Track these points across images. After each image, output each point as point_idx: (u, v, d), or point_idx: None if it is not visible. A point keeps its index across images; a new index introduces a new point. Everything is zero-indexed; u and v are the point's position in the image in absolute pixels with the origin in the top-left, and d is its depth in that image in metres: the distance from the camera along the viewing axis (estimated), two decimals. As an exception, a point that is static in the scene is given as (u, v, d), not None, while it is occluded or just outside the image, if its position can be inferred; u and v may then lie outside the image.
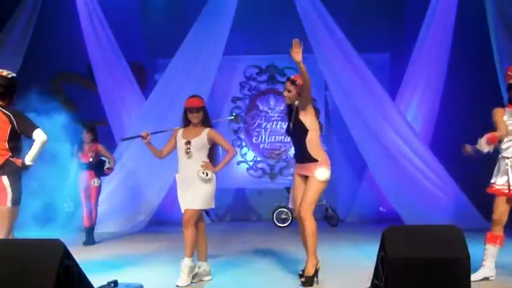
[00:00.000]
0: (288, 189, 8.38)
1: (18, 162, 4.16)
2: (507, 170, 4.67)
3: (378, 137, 8.76)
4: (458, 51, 8.76)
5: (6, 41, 8.84)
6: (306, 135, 4.71)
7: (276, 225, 9.16)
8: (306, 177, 4.75)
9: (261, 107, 10.49)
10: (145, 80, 10.15)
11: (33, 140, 4.18)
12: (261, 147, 10.45)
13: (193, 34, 8.97)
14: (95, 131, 7.54)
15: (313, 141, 4.73)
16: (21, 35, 8.87)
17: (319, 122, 4.84)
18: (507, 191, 4.65)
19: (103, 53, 9.24)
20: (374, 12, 9.66)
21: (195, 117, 4.90)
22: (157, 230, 8.66)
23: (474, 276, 4.40)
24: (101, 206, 7.85)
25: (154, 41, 9.83)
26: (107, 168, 7.43)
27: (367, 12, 9.62)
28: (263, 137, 10.45)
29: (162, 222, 9.03)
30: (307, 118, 4.72)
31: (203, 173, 4.78)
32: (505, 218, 4.75)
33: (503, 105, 4.97)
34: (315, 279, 4.69)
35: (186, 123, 4.98)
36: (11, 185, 4.12)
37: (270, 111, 10.48)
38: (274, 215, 9.23)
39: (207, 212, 8.50)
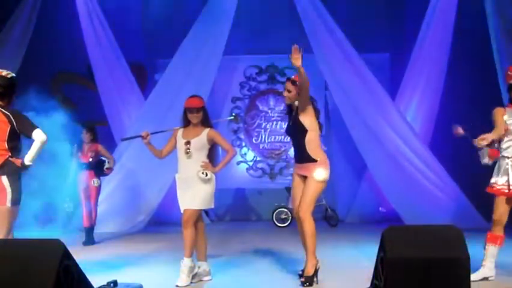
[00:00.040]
0: (288, 189, 8.39)
1: (17, 162, 4.16)
2: (507, 169, 4.67)
3: (378, 137, 8.76)
4: (458, 51, 8.76)
5: (6, 41, 8.84)
6: (305, 135, 4.71)
7: (276, 225, 9.16)
8: (305, 177, 4.75)
9: (260, 107, 10.49)
10: (145, 80, 10.15)
11: (33, 140, 4.18)
12: (260, 147, 10.45)
13: (193, 34, 8.97)
14: (95, 131, 7.54)
15: (312, 142, 4.73)
16: (21, 35, 8.87)
17: (319, 122, 4.84)
18: (507, 190, 4.65)
19: (103, 53, 9.24)
20: (374, 12, 9.66)
21: (194, 117, 4.91)
22: (157, 230, 8.66)
23: (474, 276, 4.40)
24: (101, 206, 7.85)
25: (154, 41, 9.83)
26: (106, 168, 7.43)
27: (367, 12, 9.62)
28: (263, 137, 10.45)
29: (162, 222, 9.02)
30: (307, 119, 4.72)
31: (202, 173, 4.79)
32: (505, 218, 4.75)
33: (503, 105, 4.98)
34: (315, 279, 4.70)
35: (186, 123, 4.98)
36: (10, 185, 4.12)
37: (269, 111, 10.47)
38: (274, 215, 9.23)
39: (206, 212, 8.50)
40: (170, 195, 7.65)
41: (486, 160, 4.77)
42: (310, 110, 4.74)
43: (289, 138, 5.25)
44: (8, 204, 4.11)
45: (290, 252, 6.22)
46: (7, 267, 2.98)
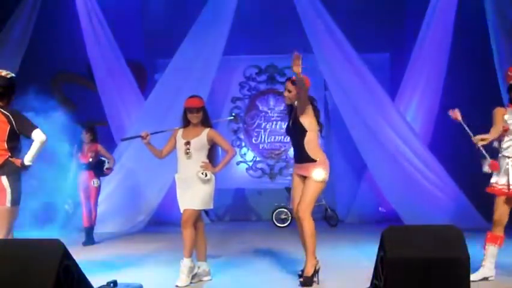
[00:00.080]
0: (287, 189, 8.39)
1: (17, 162, 4.16)
2: (507, 169, 4.67)
3: (377, 137, 8.75)
4: (457, 51, 8.76)
5: (6, 41, 8.83)
6: (305, 135, 4.71)
7: (276, 225, 9.16)
8: (305, 178, 4.75)
9: (260, 107, 10.49)
10: (144, 80, 10.14)
11: (33, 140, 4.18)
12: (260, 148, 10.45)
13: (193, 34, 8.96)
14: (95, 131, 7.54)
15: (311, 142, 4.73)
16: (21, 35, 8.86)
17: (319, 123, 4.84)
18: (507, 190, 4.65)
19: (103, 53, 9.23)
20: (374, 12, 9.65)
21: (194, 118, 4.91)
22: (157, 230, 8.66)
23: (473, 276, 4.41)
24: (101, 206, 7.85)
25: (154, 41, 9.82)
26: (106, 169, 7.43)
27: (367, 12, 9.61)
28: (263, 137, 10.45)
29: (162, 222, 9.02)
30: (307, 119, 4.73)
31: (202, 173, 4.79)
32: (505, 218, 4.75)
33: (503, 105, 4.99)
34: (315, 279, 4.70)
35: (186, 123, 4.98)
36: (10, 185, 4.12)
37: (269, 111, 10.47)
38: (274, 215, 9.22)
39: (206, 212, 8.49)
40: (170, 195, 7.64)
41: (486, 169, 4.79)
42: (309, 110, 4.74)
43: (288, 138, 5.25)
44: (8, 204, 4.11)
45: (290, 253, 6.21)
46: (7, 267, 2.98)
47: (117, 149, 8.73)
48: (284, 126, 6.24)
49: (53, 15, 9.28)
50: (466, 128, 4.84)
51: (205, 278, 5.03)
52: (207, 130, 4.92)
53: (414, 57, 9.01)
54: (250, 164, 10.43)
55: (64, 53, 9.63)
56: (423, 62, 8.96)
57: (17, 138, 4.24)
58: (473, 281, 4.04)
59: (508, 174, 4.66)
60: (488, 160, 4.73)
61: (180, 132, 4.99)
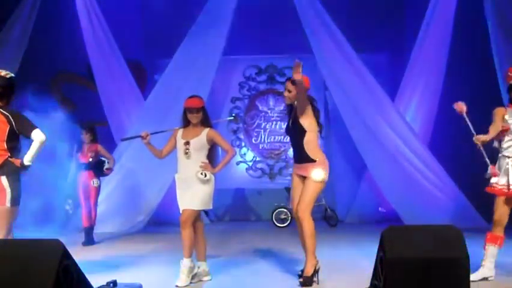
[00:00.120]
0: (287, 189, 8.40)
1: (17, 162, 4.16)
2: (507, 169, 4.67)
3: (377, 137, 8.76)
4: (457, 52, 8.76)
5: (6, 41, 8.82)
6: (304, 136, 4.71)
7: (276, 225, 9.16)
8: (304, 178, 4.75)
9: (260, 107, 10.49)
10: (144, 80, 10.14)
11: (32, 140, 4.18)
12: (260, 148, 10.45)
13: (193, 34, 8.95)
14: (95, 131, 7.54)
15: (311, 142, 4.73)
16: (20, 35, 8.86)
17: (319, 123, 4.84)
18: (506, 190, 4.65)
19: (102, 53, 9.22)
20: (374, 12, 9.66)
21: (194, 118, 4.91)
22: (156, 231, 8.66)
23: (473, 276, 4.41)
24: (101, 206, 7.85)
25: (154, 41, 9.82)
26: (106, 169, 7.43)
27: (366, 13, 9.61)
28: (262, 137, 10.45)
29: (161, 222, 9.01)
30: (307, 120, 4.72)
31: (201, 173, 4.79)
32: (505, 218, 4.74)
33: (503, 106, 4.99)
34: (315, 279, 4.70)
35: (186, 123, 4.98)
36: (10, 185, 4.12)
37: (269, 111, 10.48)
38: (274, 215, 9.22)
39: (206, 212, 8.50)
40: (170, 196, 7.63)
41: (487, 176, 4.80)
42: (309, 111, 4.74)
43: (288, 138, 5.25)
44: (8, 204, 4.11)
45: (290, 253, 6.22)
46: (7, 267, 2.98)
47: (117, 149, 8.73)
48: (284, 126, 6.24)
49: (52, 15, 9.27)
50: (469, 124, 4.81)
51: (205, 278, 5.03)
52: (206, 130, 4.92)
53: (414, 57, 9.01)
54: (250, 164, 10.43)
55: (64, 53, 9.63)
56: (423, 62, 8.96)
57: (17, 139, 4.23)
58: (472, 281, 4.04)
59: (508, 175, 4.66)
60: (490, 167, 4.74)
61: (180, 132, 4.99)
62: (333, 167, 4.99)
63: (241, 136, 10.48)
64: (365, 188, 9.50)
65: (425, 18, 8.85)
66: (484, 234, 4.85)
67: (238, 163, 10.29)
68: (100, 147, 7.46)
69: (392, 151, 8.73)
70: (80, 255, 5.07)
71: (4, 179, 4.11)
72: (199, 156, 4.86)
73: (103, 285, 4.39)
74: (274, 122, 10.43)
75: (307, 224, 4.66)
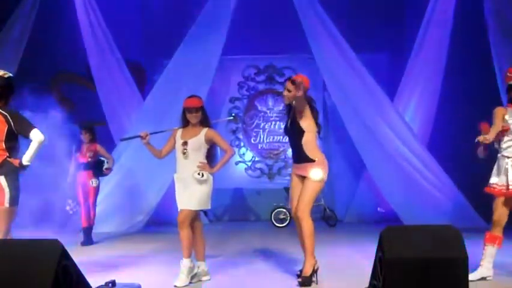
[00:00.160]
0: (286, 189, 8.39)
1: (15, 162, 4.16)
2: (507, 169, 4.67)
3: (376, 137, 8.76)
4: (456, 52, 8.76)
5: (6, 41, 8.83)
6: (302, 136, 4.72)
7: (275, 225, 9.16)
8: (303, 178, 4.76)
9: (259, 107, 10.49)
10: (143, 80, 10.14)
11: (31, 140, 4.18)
12: (259, 147, 10.45)
13: (192, 34, 8.95)
14: (94, 131, 7.53)
15: (309, 143, 4.74)
16: (20, 35, 8.86)
17: (318, 124, 4.84)
18: (505, 190, 4.66)
19: (102, 53, 9.23)
20: (373, 12, 9.66)
21: (193, 117, 4.91)
22: (156, 230, 8.65)
23: (471, 276, 4.41)
24: (100, 206, 7.85)
25: (153, 41, 9.82)
26: (105, 169, 7.43)
27: (366, 13, 9.61)
28: (261, 137, 10.46)
29: (161, 222, 9.01)
30: (305, 121, 4.73)
31: (198, 173, 4.78)
32: (504, 218, 4.75)
33: (502, 106, 4.99)
34: (314, 279, 4.70)
35: (185, 123, 4.99)
36: (8, 185, 4.12)
37: (268, 111, 10.48)
38: (273, 215, 9.22)
39: (205, 212, 8.49)
40: (169, 196, 7.62)
41: (480, 140, 4.68)
42: (307, 112, 4.74)
43: (287, 138, 5.25)
44: (7, 204, 4.11)
45: (289, 253, 6.22)
46: (6, 267, 2.97)
47: (116, 149, 8.73)
48: (283, 126, 6.24)
49: (52, 15, 9.27)
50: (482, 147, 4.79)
51: (204, 278, 5.03)
52: (205, 130, 4.92)
53: (413, 57, 9.01)
54: (249, 164, 10.43)
55: (64, 53, 9.62)
56: (422, 63, 8.97)
57: (15, 138, 4.23)
58: (471, 281, 4.05)
59: (507, 175, 4.67)
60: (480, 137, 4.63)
61: (179, 132, 4.99)
62: (332, 167, 4.99)
63: (240, 136, 10.48)
64: (364, 188, 9.51)
65: (424, 18, 8.85)
66: (483, 234, 4.85)
67: (237, 163, 10.29)
68: (99, 147, 7.46)
69: (391, 151, 8.73)
70: (79, 255, 5.07)
71: (3, 179, 4.11)
72: (197, 156, 4.86)
73: (101, 285, 4.38)
74: (273, 122, 10.43)
75: (307, 224, 4.66)
